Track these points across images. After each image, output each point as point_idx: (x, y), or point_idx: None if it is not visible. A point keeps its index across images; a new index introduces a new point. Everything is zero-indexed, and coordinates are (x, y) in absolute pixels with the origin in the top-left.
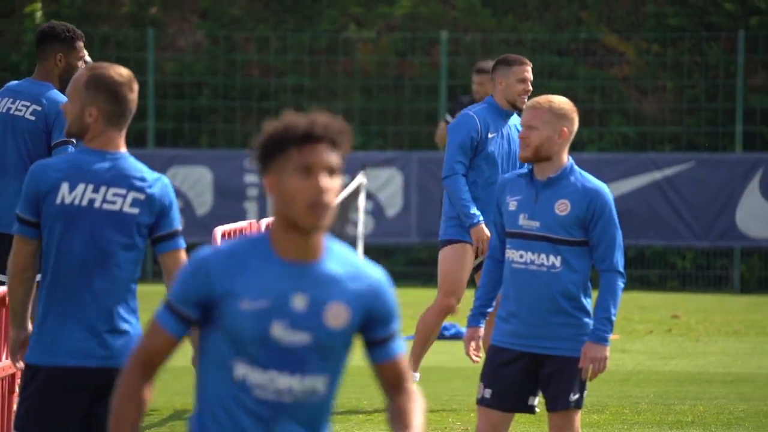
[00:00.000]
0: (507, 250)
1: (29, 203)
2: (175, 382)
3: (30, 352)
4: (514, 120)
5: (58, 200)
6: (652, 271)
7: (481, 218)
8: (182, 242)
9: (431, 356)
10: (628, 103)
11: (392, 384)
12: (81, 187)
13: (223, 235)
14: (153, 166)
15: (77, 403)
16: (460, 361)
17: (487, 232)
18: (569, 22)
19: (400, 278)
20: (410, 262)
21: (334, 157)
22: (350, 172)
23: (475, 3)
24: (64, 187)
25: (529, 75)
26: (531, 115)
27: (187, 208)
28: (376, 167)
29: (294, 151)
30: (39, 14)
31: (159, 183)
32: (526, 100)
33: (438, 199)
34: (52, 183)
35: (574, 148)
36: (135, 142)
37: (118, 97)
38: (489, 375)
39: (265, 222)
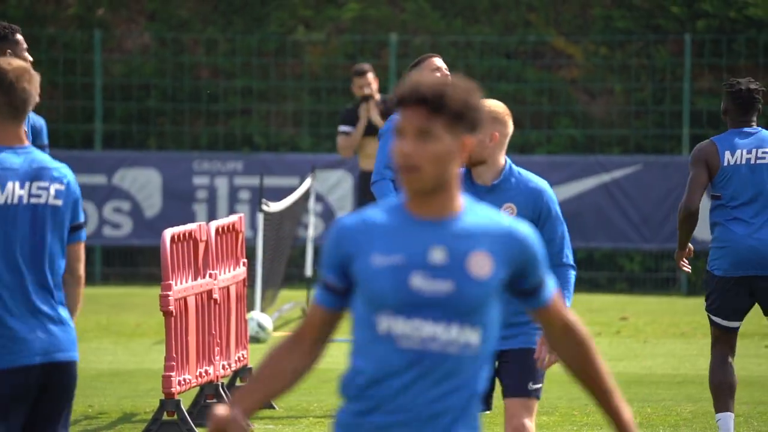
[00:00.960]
0: None
1: None
2: (123, 386)
3: None
4: None
5: None
6: (601, 273)
7: None
8: (85, 235)
9: None
10: (576, 106)
11: (558, 327)
12: (9, 185)
13: (172, 238)
14: (101, 169)
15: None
16: None
17: None
18: (517, 25)
19: None
20: None
21: (424, 120)
22: (300, 174)
23: (424, 6)
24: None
25: (440, 64)
26: None
27: (135, 210)
28: (326, 169)
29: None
30: None
31: (70, 174)
32: None
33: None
34: None
35: (522, 151)
36: (82, 144)
37: (9, 89)
38: None
39: (214, 224)
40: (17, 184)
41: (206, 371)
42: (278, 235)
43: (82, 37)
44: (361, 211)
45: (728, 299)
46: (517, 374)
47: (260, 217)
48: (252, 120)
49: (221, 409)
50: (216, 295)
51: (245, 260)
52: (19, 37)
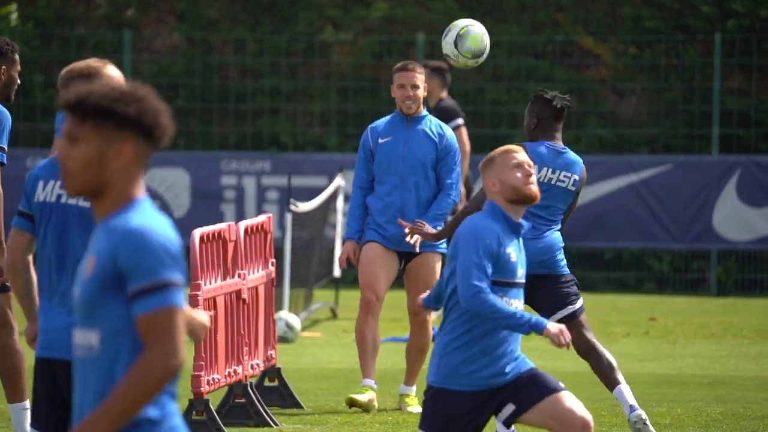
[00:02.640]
0: None
1: (25, 197)
2: None
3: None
4: (428, 124)
5: (36, 198)
6: (629, 273)
7: (351, 236)
8: None
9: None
10: (604, 106)
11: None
12: (51, 183)
13: (201, 238)
14: None
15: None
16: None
17: (349, 250)
18: (546, 25)
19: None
20: None
21: None
22: (328, 173)
23: (451, 5)
24: (40, 184)
25: (409, 80)
26: None
27: (164, 210)
28: (353, 169)
29: None
30: (14, 16)
31: None
32: (411, 106)
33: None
34: (32, 181)
35: None
36: None
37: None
38: None
39: (243, 224)
40: (58, 183)
41: (235, 371)
42: (306, 235)
43: (111, 38)
44: None
45: None
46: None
47: (288, 217)
48: (280, 120)
49: None
50: (245, 295)
51: (273, 260)
52: (17, 57)
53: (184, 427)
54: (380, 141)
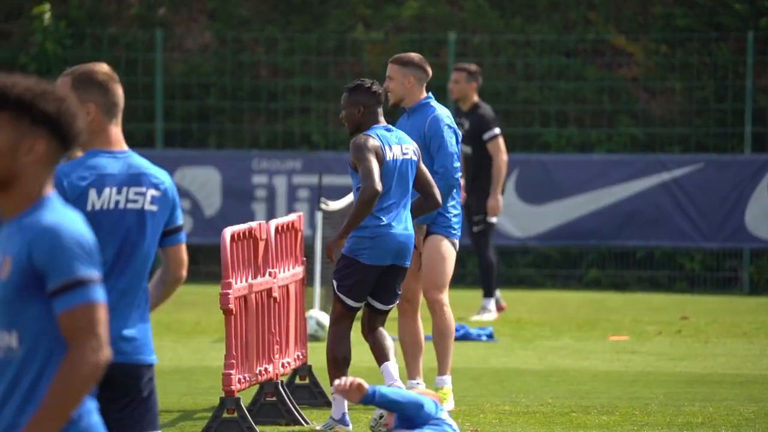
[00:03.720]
0: None
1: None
2: (183, 383)
3: None
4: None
5: (89, 207)
6: (661, 272)
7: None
8: (184, 237)
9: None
10: (636, 105)
11: (66, 338)
12: (106, 191)
13: (232, 237)
14: (161, 167)
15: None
16: (469, 361)
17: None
18: (577, 23)
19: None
20: None
21: None
22: None
23: (483, 4)
24: (92, 193)
25: (389, 72)
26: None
27: (195, 209)
28: None
29: None
30: (47, 15)
31: (168, 179)
32: (388, 96)
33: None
34: (80, 190)
35: (582, 149)
36: (143, 143)
37: (105, 89)
38: None
39: (274, 223)
40: (114, 190)
41: (266, 369)
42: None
43: (143, 37)
44: None
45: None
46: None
47: (319, 216)
48: (311, 119)
49: None
50: (275, 294)
51: (304, 259)
52: None
53: (101, 427)
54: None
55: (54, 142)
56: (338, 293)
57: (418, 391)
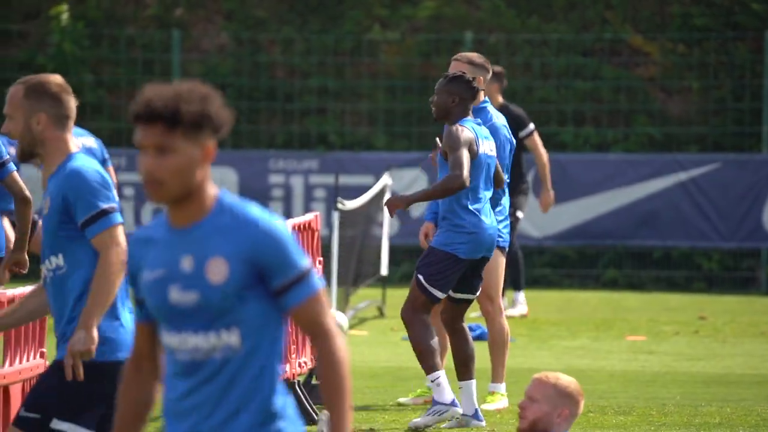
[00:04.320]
0: None
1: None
2: None
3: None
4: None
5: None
6: (679, 272)
7: (428, 216)
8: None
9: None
10: (653, 104)
11: (307, 332)
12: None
13: None
14: None
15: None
16: (485, 361)
17: (425, 229)
18: (594, 23)
19: None
20: None
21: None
22: (375, 172)
23: (499, 4)
24: None
25: (453, 70)
26: (533, 387)
27: None
28: (401, 168)
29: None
30: (65, 16)
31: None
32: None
33: None
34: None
35: (599, 149)
36: None
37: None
38: None
39: (290, 223)
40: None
41: (282, 369)
42: (353, 233)
43: (160, 37)
44: (143, 226)
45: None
46: None
47: (335, 216)
48: (327, 119)
49: None
50: None
51: (321, 258)
52: None
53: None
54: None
55: (215, 138)
56: (426, 284)
57: None
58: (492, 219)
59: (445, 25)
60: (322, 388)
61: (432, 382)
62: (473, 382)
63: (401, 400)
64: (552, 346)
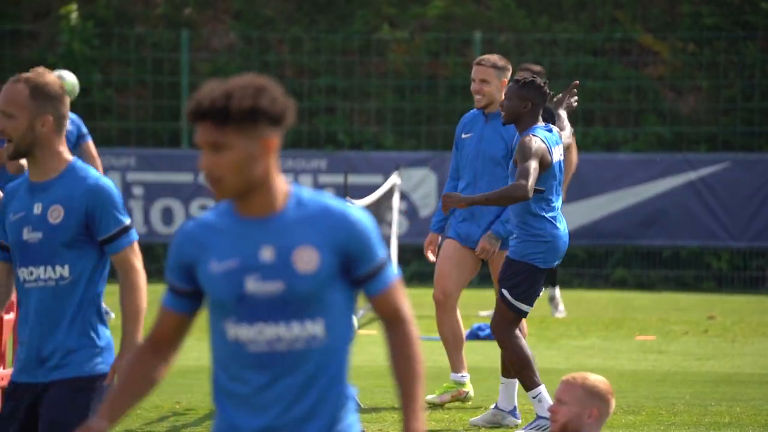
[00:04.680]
0: None
1: None
2: (210, 383)
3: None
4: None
5: None
6: (688, 271)
7: (433, 227)
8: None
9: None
10: (663, 103)
11: (387, 318)
12: None
13: None
14: (188, 167)
15: None
16: (494, 360)
17: (430, 243)
18: (604, 22)
19: (434, 278)
20: None
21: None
22: (384, 172)
23: (509, 3)
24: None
25: (479, 75)
26: (562, 389)
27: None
28: (410, 167)
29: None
30: (74, 15)
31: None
32: (479, 100)
33: None
34: None
35: (608, 149)
36: (169, 142)
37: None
38: None
39: None
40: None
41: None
42: None
43: (169, 37)
44: (201, 215)
45: None
46: None
47: None
48: (336, 118)
49: (92, 423)
50: None
51: None
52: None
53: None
54: (463, 136)
55: (277, 130)
56: (513, 300)
57: None
58: (564, 225)
59: (455, 24)
60: (397, 376)
61: (533, 398)
62: (516, 381)
63: (429, 398)
64: (561, 345)
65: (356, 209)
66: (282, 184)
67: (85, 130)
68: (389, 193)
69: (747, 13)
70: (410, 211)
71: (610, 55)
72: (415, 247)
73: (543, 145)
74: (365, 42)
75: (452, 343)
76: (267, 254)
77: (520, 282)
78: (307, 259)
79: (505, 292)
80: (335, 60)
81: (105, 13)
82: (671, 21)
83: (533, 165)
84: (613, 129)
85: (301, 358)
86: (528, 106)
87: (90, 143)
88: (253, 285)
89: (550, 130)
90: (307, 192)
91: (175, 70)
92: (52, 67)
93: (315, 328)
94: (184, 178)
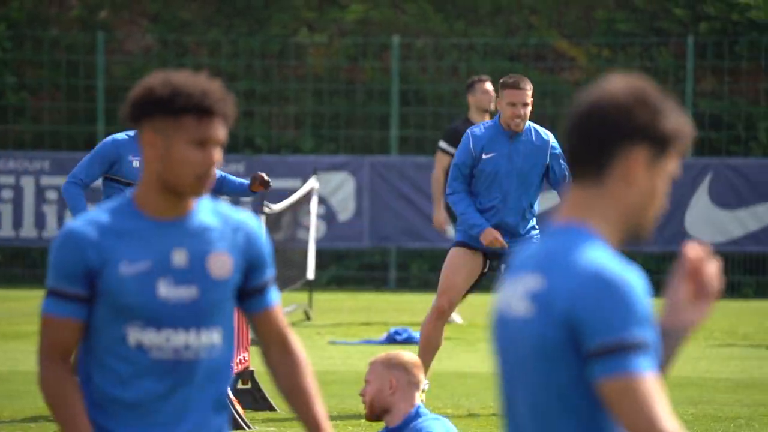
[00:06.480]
0: None
1: None
2: None
3: None
4: (529, 135)
5: None
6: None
7: (485, 224)
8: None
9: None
10: None
11: (271, 339)
12: None
13: None
14: None
15: None
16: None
17: (494, 232)
18: (520, 28)
19: (351, 283)
20: (362, 267)
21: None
22: (302, 176)
23: (426, 8)
24: None
25: (521, 98)
26: (368, 371)
27: None
28: (328, 171)
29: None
30: None
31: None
32: (519, 124)
33: (389, 203)
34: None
35: None
36: (85, 146)
37: None
38: None
39: None
40: None
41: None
42: (279, 237)
43: (84, 39)
44: (88, 217)
45: None
46: None
47: (262, 219)
48: (254, 122)
49: None
50: None
51: None
52: None
53: None
54: (484, 156)
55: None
56: None
57: None
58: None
59: (373, 28)
60: (301, 395)
61: None
62: None
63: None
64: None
65: (253, 218)
66: None
67: None
68: (307, 197)
69: (660, 19)
70: (328, 215)
71: (526, 60)
72: (333, 251)
73: None
74: (284, 46)
75: (432, 350)
76: (180, 258)
77: None
78: (220, 265)
79: None
80: (253, 64)
81: (18, 15)
82: (586, 27)
83: None
84: None
85: (199, 368)
86: None
87: None
88: (165, 290)
89: None
90: (206, 197)
91: (90, 72)
92: None
93: (216, 336)
94: (99, 182)
